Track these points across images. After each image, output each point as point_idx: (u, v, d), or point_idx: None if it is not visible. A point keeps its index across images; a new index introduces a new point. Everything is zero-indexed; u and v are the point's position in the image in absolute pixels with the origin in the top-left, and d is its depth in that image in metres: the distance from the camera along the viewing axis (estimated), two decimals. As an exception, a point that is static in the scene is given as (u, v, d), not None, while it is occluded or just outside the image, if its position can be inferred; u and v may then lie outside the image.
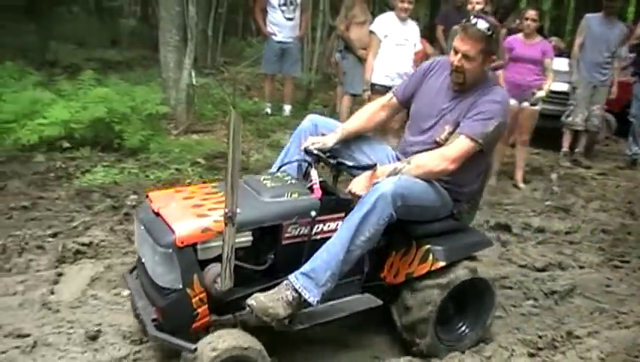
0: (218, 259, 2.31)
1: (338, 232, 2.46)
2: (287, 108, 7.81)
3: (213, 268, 2.30)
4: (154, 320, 2.36)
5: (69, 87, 6.18)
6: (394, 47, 5.37)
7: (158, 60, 7.04)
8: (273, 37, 7.50)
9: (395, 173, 2.56)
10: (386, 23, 5.41)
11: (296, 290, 2.38)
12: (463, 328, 2.86)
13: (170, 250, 2.22)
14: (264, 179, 2.70)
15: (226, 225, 2.16)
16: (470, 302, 2.84)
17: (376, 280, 2.78)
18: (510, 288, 3.61)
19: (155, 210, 2.43)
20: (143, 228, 2.42)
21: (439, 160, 2.59)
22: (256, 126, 7.05)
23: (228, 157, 2.06)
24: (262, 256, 2.51)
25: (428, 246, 2.66)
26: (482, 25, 2.58)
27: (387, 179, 2.50)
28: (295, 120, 7.11)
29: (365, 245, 2.47)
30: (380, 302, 2.73)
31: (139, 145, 5.50)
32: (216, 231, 2.32)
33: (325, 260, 2.41)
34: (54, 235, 3.83)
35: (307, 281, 2.40)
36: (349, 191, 2.59)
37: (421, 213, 2.62)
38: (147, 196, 2.64)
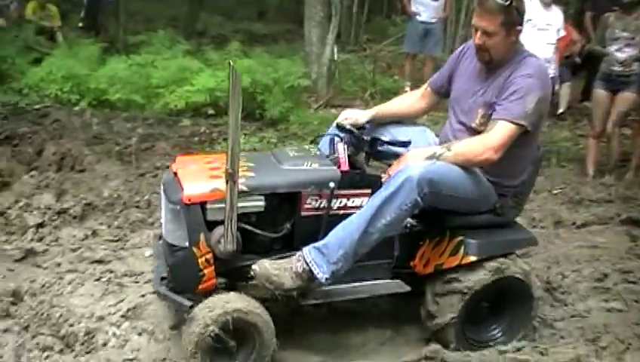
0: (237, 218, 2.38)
1: (359, 211, 2.38)
2: (426, 87, 7.86)
3: (220, 229, 2.29)
4: (163, 278, 2.45)
5: (215, 56, 6.61)
6: (535, 32, 5.34)
7: (302, 35, 7.27)
8: (417, 17, 7.50)
9: (432, 157, 2.43)
10: (529, 8, 5.29)
11: (307, 263, 2.32)
12: (496, 331, 2.69)
13: (178, 207, 2.29)
14: (291, 151, 2.71)
15: (227, 182, 2.19)
16: (506, 303, 2.68)
17: (406, 267, 2.68)
18: (634, 283, 3.40)
19: (174, 171, 2.52)
20: (162, 187, 2.52)
21: (481, 148, 2.39)
22: (394, 104, 7.11)
23: (229, 115, 2.09)
24: (278, 224, 2.47)
25: (461, 238, 2.53)
26: None
27: (418, 162, 2.38)
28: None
29: (386, 229, 2.35)
30: (407, 288, 2.61)
31: (279, 116, 5.76)
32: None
33: (340, 238, 2.34)
34: None
35: (319, 256, 2.33)
36: (387, 174, 2.49)
37: (456, 203, 2.49)
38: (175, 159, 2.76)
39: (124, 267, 3.09)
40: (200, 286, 2.34)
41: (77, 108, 5.66)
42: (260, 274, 2.31)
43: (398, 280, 2.64)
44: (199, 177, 2.44)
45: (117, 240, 3.44)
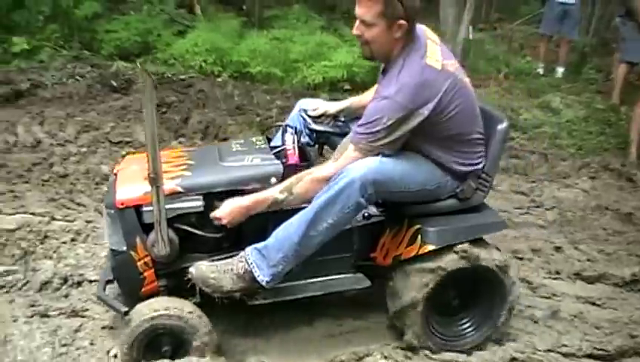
0: (173, 220, 2.38)
1: (301, 212, 2.33)
2: (560, 70, 7.84)
3: (154, 233, 2.31)
4: (108, 281, 2.55)
5: (350, 32, 6.92)
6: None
7: (437, 13, 7.41)
8: (555, -3, 7.49)
9: (268, 205, 2.36)
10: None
11: (248, 264, 2.34)
12: (466, 325, 2.63)
13: (113, 211, 2.36)
14: (235, 143, 2.73)
15: (151, 186, 2.21)
16: (478, 296, 2.61)
17: (367, 259, 2.65)
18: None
19: (115, 172, 2.59)
20: (106, 189, 2.66)
21: (318, 185, 2.32)
22: (528, 85, 7.14)
23: (145, 119, 2.11)
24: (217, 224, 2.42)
25: (418, 226, 2.47)
26: None
27: (361, 161, 2.31)
28: (567, 83, 7.02)
29: (328, 232, 2.33)
30: (367, 284, 2.60)
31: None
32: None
33: (279, 240, 2.33)
34: None
35: (260, 258, 2.34)
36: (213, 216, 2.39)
37: (411, 197, 2.46)
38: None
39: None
40: (142, 290, 2.42)
41: (219, 79, 6.19)
42: (197, 277, 2.34)
43: (359, 275, 2.62)
44: (135, 179, 2.44)
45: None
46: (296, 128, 2.63)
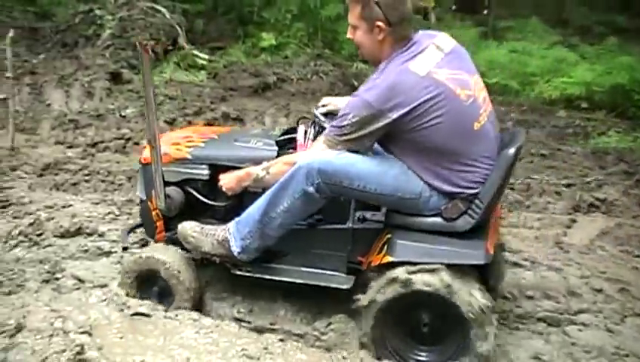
0: (182, 183, 2.83)
1: (265, 193, 2.54)
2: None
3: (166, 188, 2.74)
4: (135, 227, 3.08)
5: (589, 49, 7.05)
6: None
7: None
8: None
9: (253, 180, 2.58)
10: None
11: (229, 234, 2.62)
12: (422, 356, 2.46)
13: (140, 166, 2.91)
14: (256, 130, 3.10)
15: (151, 148, 2.61)
16: (445, 333, 2.41)
17: (358, 263, 2.68)
18: None
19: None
20: None
21: (283, 170, 2.50)
22: None
23: (144, 90, 2.52)
24: (221, 194, 2.73)
25: (389, 236, 2.46)
26: None
27: (312, 151, 2.49)
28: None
29: (285, 215, 2.51)
30: (346, 286, 2.61)
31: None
32: (174, 158, 2.84)
33: (248, 216, 2.58)
34: (568, 186, 4.65)
35: (235, 230, 2.61)
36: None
37: (381, 200, 2.48)
38: None
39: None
40: (156, 236, 2.85)
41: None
42: (180, 233, 2.70)
43: (348, 276, 2.67)
44: (165, 142, 2.84)
45: (496, 218, 4.18)
46: (314, 122, 2.77)
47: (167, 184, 2.80)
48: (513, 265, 3.21)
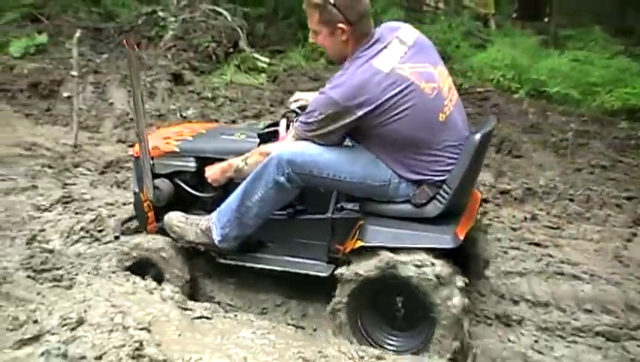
0: (171, 175, 3.00)
1: (241, 183, 2.66)
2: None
3: (156, 180, 2.93)
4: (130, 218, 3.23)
5: (655, 60, 6.87)
6: None
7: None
8: None
9: (234, 170, 2.72)
10: None
11: (211, 223, 2.74)
12: (393, 340, 2.53)
13: (133, 160, 3.05)
14: (243, 124, 3.23)
15: (140, 143, 2.84)
16: (418, 313, 2.44)
17: (334, 251, 2.77)
18: None
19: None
20: None
21: (259, 160, 2.63)
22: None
23: (132, 87, 2.77)
24: (208, 185, 2.90)
25: (362, 222, 2.55)
26: None
27: (284, 143, 2.63)
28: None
29: (260, 204, 2.63)
30: (324, 274, 2.71)
31: None
32: (163, 151, 3.00)
33: (227, 205, 2.71)
34: (629, 198, 4.53)
35: (217, 219, 2.74)
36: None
37: (351, 187, 2.57)
38: None
39: (561, 255, 3.54)
40: (148, 227, 3.02)
41: (516, 95, 6.56)
42: (166, 223, 2.87)
43: (328, 264, 2.77)
44: (156, 137, 3.10)
45: (555, 228, 4.01)
46: (297, 115, 2.86)
47: (157, 176, 3.01)
48: (572, 278, 3.19)
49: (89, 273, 2.97)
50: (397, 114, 2.40)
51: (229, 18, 7.19)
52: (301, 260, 2.88)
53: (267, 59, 6.97)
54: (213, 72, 6.64)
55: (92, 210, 3.63)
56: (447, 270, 2.34)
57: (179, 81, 6.25)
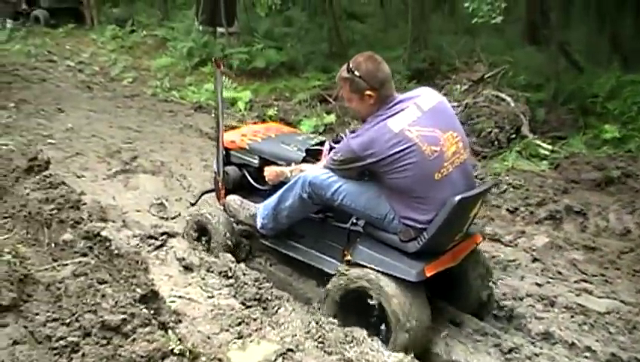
0: (240, 166, 4.20)
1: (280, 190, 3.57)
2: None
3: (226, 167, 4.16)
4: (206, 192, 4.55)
5: None
6: None
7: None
8: None
9: (285, 176, 3.73)
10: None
11: (257, 211, 3.77)
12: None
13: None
14: (304, 135, 4.38)
15: (216, 140, 4.12)
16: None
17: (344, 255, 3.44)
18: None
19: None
20: None
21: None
22: None
23: (216, 95, 4.06)
24: (264, 180, 3.87)
25: (357, 240, 3.35)
26: (343, 69, 3.21)
27: (310, 169, 3.50)
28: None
29: (289, 211, 3.56)
30: (330, 271, 3.45)
31: None
32: (238, 146, 4.20)
33: (269, 202, 3.67)
34: None
35: (261, 210, 3.75)
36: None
37: (357, 213, 3.37)
38: None
39: None
40: (220, 201, 4.17)
41: None
42: (227, 204, 4.02)
43: (339, 264, 3.43)
44: (238, 132, 4.33)
45: None
46: (339, 141, 3.60)
47: (229, 164, 4.21)
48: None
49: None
50: (398, 167, 3.04)
51: (511, 104, 7.36)
52: (323, 256, 3.67)
53: (549, 146, 6.96)
54: (495, 157, 6.83)
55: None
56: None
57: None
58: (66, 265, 3.07)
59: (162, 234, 4.09)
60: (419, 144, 3.02)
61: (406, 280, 3.08)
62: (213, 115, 5.96)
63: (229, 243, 3.95)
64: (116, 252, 3.30)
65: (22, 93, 9.66)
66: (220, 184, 4.15)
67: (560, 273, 4.48)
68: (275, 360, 2.76)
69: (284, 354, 2.80)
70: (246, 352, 2.82)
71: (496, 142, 6.94)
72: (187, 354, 2.58)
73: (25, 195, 4.07)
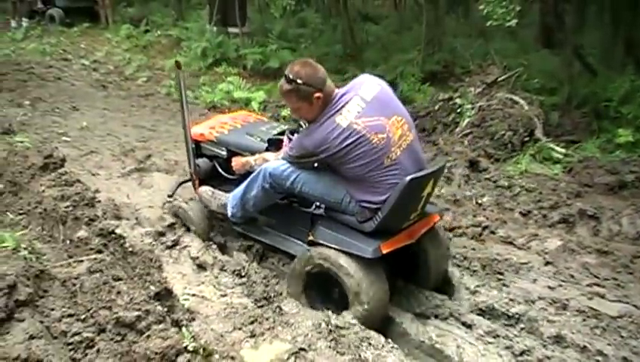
0: (211, 157, 4.51)
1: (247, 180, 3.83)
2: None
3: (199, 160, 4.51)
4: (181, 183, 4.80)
5: None
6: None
7: None
8: None
9: (249, 166, 4.00)
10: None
11: (227, 201, 4.01)
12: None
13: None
14: (267, 125, 4.54)
15: (185, 133, 4.42)
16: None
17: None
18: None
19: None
20: None
21: (262, 164, 3.84)
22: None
23: (179, 92, 4.27)
24: (233, 171, 4.12)
25: (319, 222, 3.61)
26: (283, 82, 3.39)
27: (272, 159, 3.75)
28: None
29: (254, 200, 3.84)
30: (296, 253, 3.75)
31: None
32: (207, 139, 4.48)
33: (237, 192, 3.95)
34: None
35: (230, 199, 4.00)
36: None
37: (316, 199, 3.67)
38: None
39: None
40: (195, 191, 4.46)
41: None
42: (199, 194, 4.31)
43: (305, 246, 3.69)
44: (205, 126, 4.57)
45: None
46: (292, 135, 3.82)
47: (201, 156, 4.51)
48: None
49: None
50: (350, 158, 3.26)
51: (525, 107, 7.34)
52: (290, 238, 3.96)
53: (563, 150, 6.94)
54: (508, 160, 6.81)
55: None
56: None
57: (475, 168, 6.53)
58: (82, 261, 3.10)
59: (175, 232, 4.13)
60: (366, 135, 3.22)
61: (364, 258, 3.30)
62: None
63: (206, 231, 4.39)
64: (130, 249, 3.33)
65: (37, 91, 9.75)
66: (193, 176, 4.47)
67: (572, 276, 4.45)
68: (288, 359, 2.78)
69: (296, 353, 2.82)
70: (258, 351, 2.84)
71: (509, 145, 6.92)
72: (200, 351, 2.60)
73: (40, 192, 4.11)
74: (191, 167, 4.42)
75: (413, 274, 3.94)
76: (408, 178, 3.19)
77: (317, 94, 3.29)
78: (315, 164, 3.49)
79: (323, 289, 3.58)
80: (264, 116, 7.12)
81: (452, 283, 4.20)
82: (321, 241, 3.49)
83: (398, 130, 3.33)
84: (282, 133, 4.13)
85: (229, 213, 4.01)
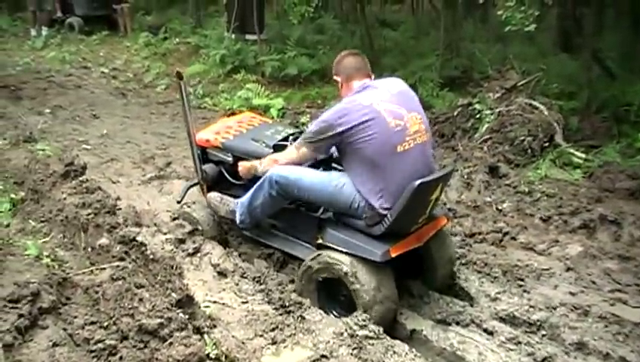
0: (217, 163, 4.44)
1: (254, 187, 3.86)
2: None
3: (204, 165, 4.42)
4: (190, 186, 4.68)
5: None
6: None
7: None
8: None
9: (255, 170, 3.97)
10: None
11: (236, 207, 4.03)
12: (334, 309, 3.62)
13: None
14: (273, 128, 4.50)
15: (189, 140, 4.34)
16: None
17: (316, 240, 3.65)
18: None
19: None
20: None
21: (270, 165, 3.86)
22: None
23: (182, 102, 4.28)
24: (240, 175, 4.11)
25: (327, 224, 3.63)
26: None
27: (276, 167, 3.75)
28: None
29: (262, 207, 3.88)
30: (304, 257, 3.72)
31: None
32: (212, 145, 4.44)
33: (245, 199, 3.98)
34: None
35: (238, 206, 4.03)
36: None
37: (325, 204, 3.73)
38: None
39: None
40: (204, 195, 4.43)
41: None
42: (208, 200, 4.31)
43: (312, 248, 3.71)
44: (210, 130, 4.56)
45: None
46: (295, 138, 3.98)
47: (208, 162, 4.45)
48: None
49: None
50: (366, 135, 3.28)
51: (545, 112, 7.28)
52: (298, 242, 3.95)
53: (583, 155, 6.86)
54: (528, 165, 6.75)
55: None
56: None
57: (494, 174, 6.49)
58: (104, 269, 3.12)
59: (196, 240, 4.14)
60: (385, 116, 3.31)
61: (373, 261, 3.33)
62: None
63: (215, 233, 4.41)
64: (151, 257, 3.35)
65: (57, 99, 9.87)
66: (200, 182, 4.47)
67: (594, 282, 4.41)
68: (309, 366, 2.77)
69: (317, 360, 2.81)
70: (280, 358, 2.84)
71: (529, 151, 6.86)
72: (223, 358, 2.60)
73: (62, 200, 4.15)
74: (198, 173, 4.42)
75: (419, 275, 4.00)
76: (417, 182, 3.23)
77: (335, 77, 3.72)
78: (327, 151, 3.66)
79: (331, 292, 3.63)
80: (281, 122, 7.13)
81: (472, 290, 4.17)
82: (330, 244, 3.51)
83: (415, 125, 3.44)
84: (287, 139, 4.23)
85: (238, 220, 4.07)
